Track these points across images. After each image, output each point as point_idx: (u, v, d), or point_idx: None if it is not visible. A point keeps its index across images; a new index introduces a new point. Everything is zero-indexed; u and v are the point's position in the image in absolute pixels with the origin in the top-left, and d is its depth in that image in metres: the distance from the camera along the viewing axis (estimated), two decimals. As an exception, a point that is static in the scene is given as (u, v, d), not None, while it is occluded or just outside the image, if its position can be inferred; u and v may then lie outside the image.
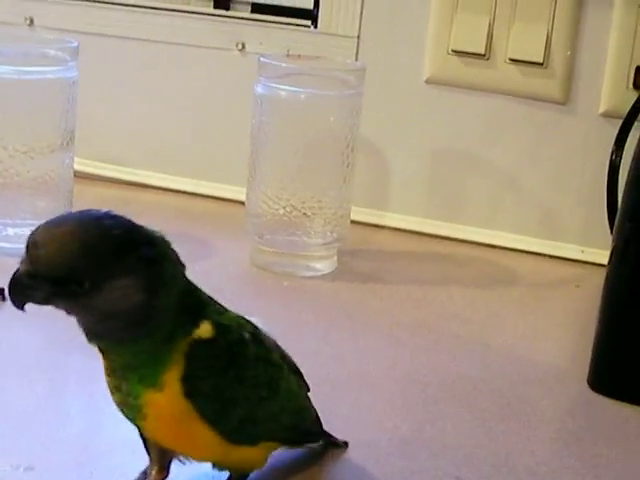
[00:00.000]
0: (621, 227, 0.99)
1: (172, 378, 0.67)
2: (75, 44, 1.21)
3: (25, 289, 0.64)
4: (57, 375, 0.94)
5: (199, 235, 1.31)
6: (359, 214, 1.34)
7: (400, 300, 1.19)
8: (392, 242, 1.38)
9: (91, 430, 0.84)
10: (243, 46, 1.42)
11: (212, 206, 1.44)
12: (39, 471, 0.78)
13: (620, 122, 1.27)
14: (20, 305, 0.65)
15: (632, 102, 1.27)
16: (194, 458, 0.73)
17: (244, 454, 0.73)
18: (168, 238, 0.67)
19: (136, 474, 0.75)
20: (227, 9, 1.44)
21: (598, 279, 1.02)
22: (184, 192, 1.47)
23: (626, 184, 0.99)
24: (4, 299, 1.04)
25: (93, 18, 1.47)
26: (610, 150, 1.26)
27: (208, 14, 1.44)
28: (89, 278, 0.63)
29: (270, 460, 0.76)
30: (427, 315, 1.15)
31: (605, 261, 1.04)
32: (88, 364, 0.74)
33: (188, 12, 1.44)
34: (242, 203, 1.30)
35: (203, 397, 0.68)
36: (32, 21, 1.48)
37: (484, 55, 1.34)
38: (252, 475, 0.75)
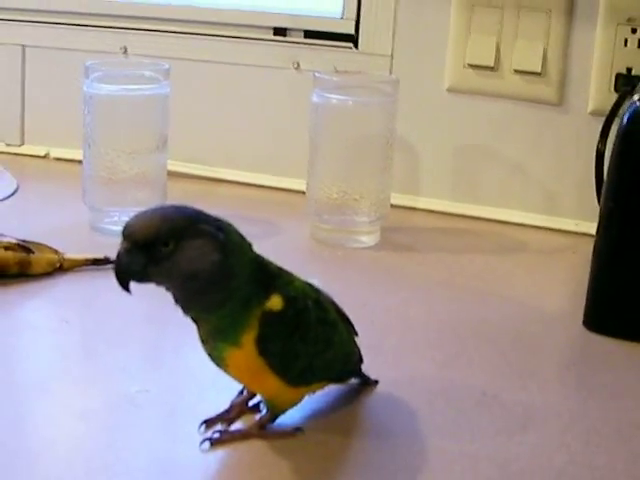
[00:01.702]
0: (605, 203, 1.03)
1: (248, 339, 0.72)
2: (167, 66, 1.25)
3: (125, 265, 0.70)
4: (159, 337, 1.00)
5: (267, 218, 1.33)
6: (396, 199, 1.35)
7: (432, 264, 1.22)
8: (424, 220, 1.39)
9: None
10: (298, 65, 1.44)
11: (276, 195, 1.45)
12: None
13: (604, 118, 1.28)
14: (125, 283, 0.71)
15: (613, 102, 1.28)
16: (260, 393, 0.79)
17: (295, 393, 0.77)
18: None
19: (234, 394, 0.82)
20: (284, 35, 1.46)
21: (590, 247, 1.05)
22: (253, 184, 1.48)
23: (608, 169, 1.04)
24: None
25: (178, 46, 1.49)
26: (596, 141, 1.28)
27: (270, 40, 1.46)
28: (172, 238, 0.69)
29: (317, 396, 0.81)
30: (454, 275, 1.19)
31: (595, 232, 1.09)
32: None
33: (254, 39, 1.47)
34: (301, 192, 1.32)
35: (272, 355, 0.73)
36: (126, 50, 1.51)
37: (493, 67, 1.36)
38: (305, 411, 0.80)
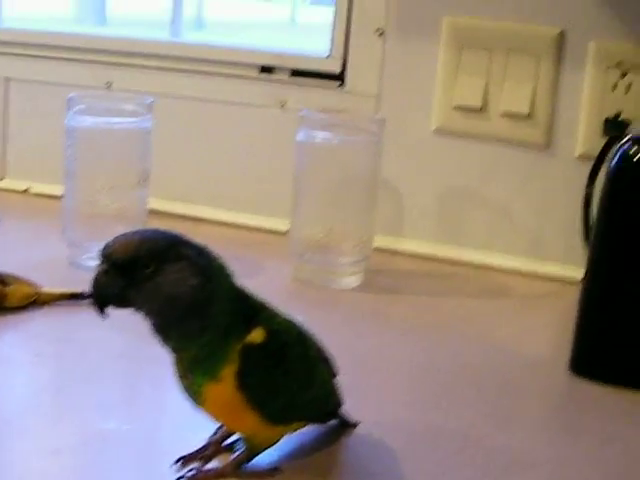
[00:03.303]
0: (593, 248, 1.02)
1: (228, 373, 0.70)
2: (150, 100, 1.24)
3: (103, 287, 0.68)
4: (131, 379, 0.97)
5: (249, 258, 1.31)
6: (380, 241, 1.34)
7: (414, 308, 1.20)
8: (407, 263, 1.37)
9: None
10: (284, 104, 1.43)
11: (259, 236, 1.43)
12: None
13: (592, 163, 1.26)
14: (102, 306, 0.69)
15: (601, 147, 1.25)
16: (237, 431, 0.76)
17: (273, 432, 0.75)
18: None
19: (210, 432, 0.79)
20: (271, 74, 1.45)
21: (575, 292, 1.04)
22: (235, 224, 1.47)
23: (597, 213, 1.02)
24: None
25: (161, 82, 1.48)
26: (584, 186, 1.26)
27: (256, 78, 1.45)
28: (152, 261, 0.67)
29: (296, 436, 0.79)
30: (437, 319, 1.17)
31: (580, 277, 1.07)
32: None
33: (240, 77, 1.45)
34: (284, 233, 1.30)
35: (252, 390, 0.71)
36: (110, 85, 1.50)
37: (481, 109, 1.35)
38: (282, 450, 0.78)
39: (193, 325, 0.69)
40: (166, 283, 0.68)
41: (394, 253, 1.41)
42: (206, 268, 0.70)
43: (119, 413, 0.86)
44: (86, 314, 1.00)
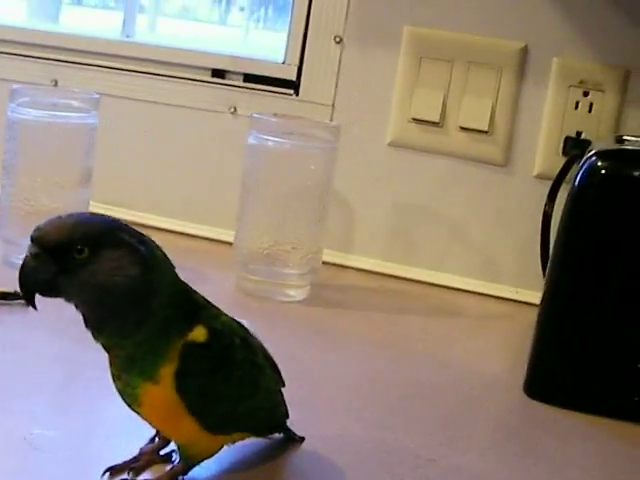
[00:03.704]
0: (552, 270, 0.99)
1: (166, 373, 0.64)
2: (97, 96, 1.19)
3: (32, 272, 0.62)
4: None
5: (192, 267, 1.25)
6: (329, 256, 1.31)
7: (363, 323, 1.16)
8: (356, 278, 1.34)
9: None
10: (235, 109, 1.39)
11: (203, 245, 1.40)
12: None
13: (550, 182, 1.24)
14: (30, 294, 0.63)
15: (560, 166, 1.24)
16: (174, 440, 0.70)
17: (213, 442, 0.70)
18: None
19: (145, 441, 0.74)
20: (223, 78, 1.41)
21: (529, 315, 1.01)
22: (178, 232, 1.42)
23: (557, 232, 0.99)
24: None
25: (109, 82, 1.43)
26: (541, 207, 1.24)
27: (207, 82, 1.41)
28: (87, 245, 0.61)
29: (237, 448, 0.73)
30: (386, 335, 1.13)
31: (535, 300, 1.07)
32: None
33: (191, 79, 1.41)
34: (229, 243, 1.26)
35: (192, 393, 0.65)
36: (56, 83, 1.45)
37: (439, 123, 1.32)
38: (221, 463, 0.73)
39: (129, 319, 0.64)
40: (101, 271, 0.62)
41: (342, 270, 1.37)
42: (147, 257, 0.64)
43: (47, 418, 0.80)
44: (19, 315, 0.94)
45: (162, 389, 0.65)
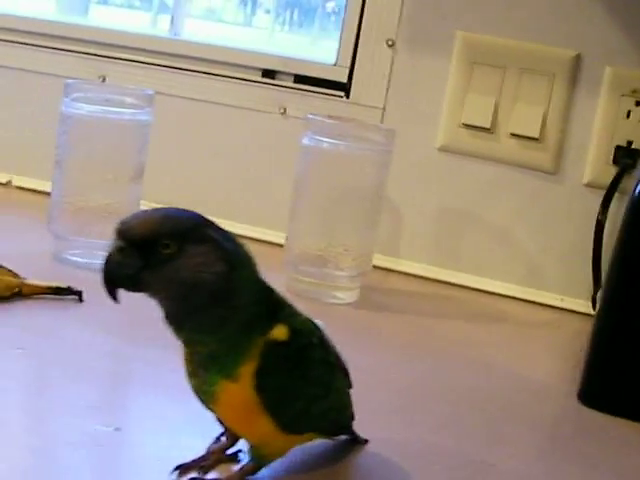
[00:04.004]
0: (610, 278, 0.98)
1: (247, 372, 0.64)
2: (150, 92, 1.19)
3: (117, 266, 0.62)
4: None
5: None
6: (377, 260, 1.29)
7: (410, 327, 1.16)
8: (404, 282, 1.34)
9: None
10: (285, 110, 1.39)
11: (252, 246, 1.39)
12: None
13: (601, 192, 1.26)
14: (113, 288, 0.63)
15: (611, 175, 1.26)
16: (247, 439, 0.69)
17: (285, 442, 0.69)
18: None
19: (209, 440, 0.74)
20: (273, 79, 1.41)
21: (575, 323, 1.04)
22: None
23: (615, 244, 0.98)
24: (81, 300, 1.03)
25: (159, 79, 1.43)
26: (593, 216, 1.25)
27: (258, 82, 1.41)
28: (174, 239, 0.61)
29: (303, 449, 0.73)
30: (435, 339, 1.13)
31: (581, 309, 1.14)
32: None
33: (241, 79, 1.41)
34: (276, 244, 1.26)
35: (270, 392, 0.65)
36: (104, 79, 1.45)
37: (489, 129, 1.32)
38: (289, 463, 0.72)
39: (213, 316, 0.63)
40: (187, 267, 0.62)
41: (390, 271, 1.37)
42: (232, 254, 0.64)
43: (108, 414, 0.80)
44: (72, 310, 0.94)
45: (241, 387, 0.64)
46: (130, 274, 0.62)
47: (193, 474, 0.70)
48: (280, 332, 0.65)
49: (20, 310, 1.00)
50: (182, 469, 0.70)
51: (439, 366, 1.04)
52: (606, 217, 1.21)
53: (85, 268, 1.13)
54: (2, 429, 0.74)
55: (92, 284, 0.88)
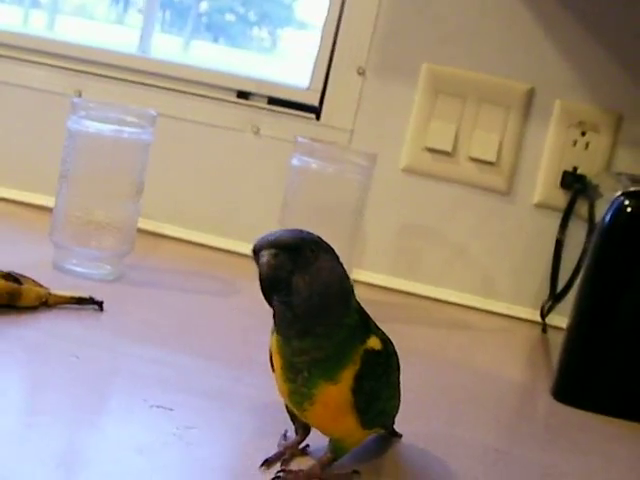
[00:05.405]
0: (582, 292, 1.11)
1: (347, 375, 0.72)
2: (154, 114, 1.24)
3: (275, 268, 0.69)
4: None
5: (224, 278, 1.33)
6: None
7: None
8: (364, 293, 1.34)
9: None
10: (258, 130, 1.47)
11: (229, 258, 1.46)
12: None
13: (549, 212, 1.40)
14: (271, 291, 0.70)
15: (559, 198, 1.39)
16: (332, 434, 0.78)
17: (361, 436, 0.78)
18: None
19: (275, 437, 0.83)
20: (247, 99, 1.48)
21: (525, 329, 1.22)
22: (199, 243, 1.49)
23: (587, 264, 1.10)
24: (101, 310, 1.10)
25: (133, 95, 1.48)
26: (542, 233, 1.39)
27: (232, 101, 1.48)
28: (315, 246, 0.70)
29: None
30: (408, 344, 1.18)
31: (528, 316, 1.33)
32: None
33: (216, 99, 1.48)
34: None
35: (363, 394, 0.73)
36: (80, 94, 1.49)
37: (450, 153, 1.43)
38: (355, 452, 0.81)
39: (334, 315, 0.72)
40: (325, 268, 0.71)
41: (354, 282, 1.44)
42: (342, 263, 0.74)
43: (187, 415, 0.86)
44: (94, 318, 1.03)
45: (340, 389, 0.73)
46: (283, 277, 0.69)
47: (277, 467, 0.78)
48: (375, 342, 0.75)
49: (53, 319, 1.05)
50: (267, 463, 0.79)
51: (423, 368, 1.12)
52: (565, 236, 1.34)
53: (84, 278, 1.20)
54: (96, 430, 0.81)
55: (98, 293, 1.02)
